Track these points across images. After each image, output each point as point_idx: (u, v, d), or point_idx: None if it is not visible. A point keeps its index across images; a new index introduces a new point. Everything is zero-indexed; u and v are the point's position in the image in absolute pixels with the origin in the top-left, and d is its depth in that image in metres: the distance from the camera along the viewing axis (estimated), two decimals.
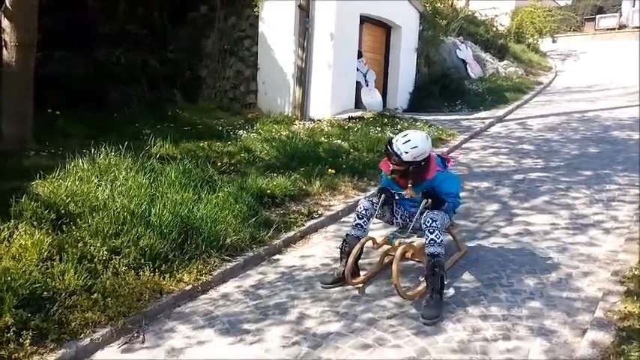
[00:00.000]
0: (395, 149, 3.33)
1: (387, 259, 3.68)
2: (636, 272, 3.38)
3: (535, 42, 18.76)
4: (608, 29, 23.84)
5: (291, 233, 4.43)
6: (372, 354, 2.79)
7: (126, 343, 2.97)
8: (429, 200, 3.37)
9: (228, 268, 3.79)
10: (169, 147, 5.84)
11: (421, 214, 3.38)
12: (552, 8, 20.53)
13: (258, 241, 4.17)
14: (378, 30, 10.07)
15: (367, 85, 9.53)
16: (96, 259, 3.40)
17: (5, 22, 5.35)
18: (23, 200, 3.79)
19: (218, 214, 4.16)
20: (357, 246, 3.40)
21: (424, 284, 3.32)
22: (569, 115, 9.73)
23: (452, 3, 15.86)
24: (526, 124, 9.16)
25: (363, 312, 3.21)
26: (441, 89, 10.93)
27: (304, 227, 4.57)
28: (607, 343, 2.66)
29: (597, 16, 25.36)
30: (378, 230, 4.01)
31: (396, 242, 3.45)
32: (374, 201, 3.60)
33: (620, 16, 24.94)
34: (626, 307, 2.96)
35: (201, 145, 6.28)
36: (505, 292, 3.37)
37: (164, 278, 3.45)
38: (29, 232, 3.46)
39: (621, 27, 23.96)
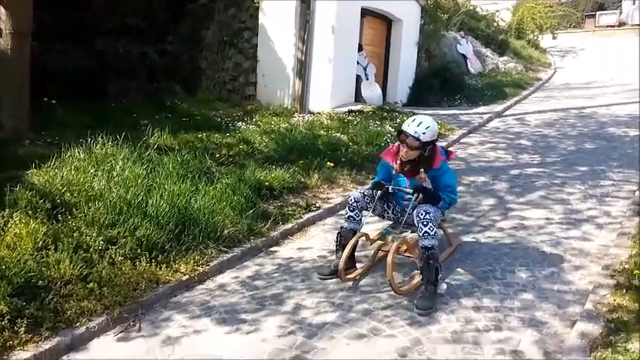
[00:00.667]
0: (412, 132, 3.30)
1: (380, 254, 3.70)
2: (626, 266, 3.43)
3: (535, 38, 18.74)
4: (608, 26, 23.82)
5: (288, 225, 4.45)
6: (367, 344, 2.83)
7: (122, 331, 2.98)
8: (420, 195, 3.37)
9: (225, 259, 3.80)
10: (167, 138, 5.81)
11: (413, 208, 3.39)
12: (553, 4, 20.48)
13: (256, 233, 4.18)
14: (379, 23, 10.05)
15: (367, 79, 9.52)
16: (92, 249, 3.39)
17: (1, 10, 5.33)
18: (18, 189, 3.77)
19: (216, 206, 4.17)
20: (352, 241, 3.40)
21: (418, 279, 3.35)
22: (567, 112, 9.76)
23: None
24: (524, 120, 9.18)
25: (358, 303, 3.24)
26: (440, 83, 10.92)
27: (302, 219, 4.59)
28: (596, 334, 2.71)
29: (597, 13, 25.36)
30: (372, 224, 4.03)
31: (389, 238, 3.48)
32: (365, 193, 3.60)
33: (621, 13, 24.92)
34: (615, 300, 3.02)
35: (199, 136, 6.25)
36: (498, 285, 3.42)
37: (161, 268, 3.45)
38: (24, 221, 3.43)
39: (621, 24, 23.95)
